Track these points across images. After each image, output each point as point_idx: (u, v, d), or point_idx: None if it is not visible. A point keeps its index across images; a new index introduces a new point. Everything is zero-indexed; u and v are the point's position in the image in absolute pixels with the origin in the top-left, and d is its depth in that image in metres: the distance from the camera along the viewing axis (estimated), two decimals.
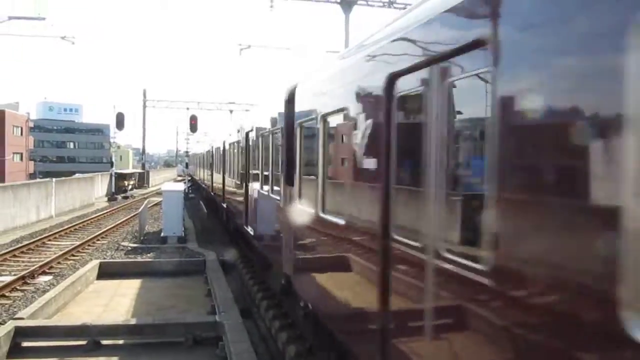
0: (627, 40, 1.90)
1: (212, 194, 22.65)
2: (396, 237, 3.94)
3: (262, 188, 10.50)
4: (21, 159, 66.98)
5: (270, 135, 9.62)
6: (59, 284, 12.03)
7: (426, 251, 3.37)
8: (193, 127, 41.25)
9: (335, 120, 5.71)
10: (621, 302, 1.92)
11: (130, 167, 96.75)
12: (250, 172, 12.13)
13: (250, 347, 8.43)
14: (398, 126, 4.01)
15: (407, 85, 3.85)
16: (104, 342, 9.17)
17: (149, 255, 15.83)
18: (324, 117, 5.97)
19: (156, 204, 28.24)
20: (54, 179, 28.11)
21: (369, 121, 4.55)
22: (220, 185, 18.58)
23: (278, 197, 8.53)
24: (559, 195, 2.30)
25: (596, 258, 2.06)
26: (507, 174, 2.62)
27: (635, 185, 1.90)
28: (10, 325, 9.02)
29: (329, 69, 6.53)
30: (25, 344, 8.99)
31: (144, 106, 56.91)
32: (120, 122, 38.08)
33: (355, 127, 4.81)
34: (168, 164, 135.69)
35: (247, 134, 12.50)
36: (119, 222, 23.77)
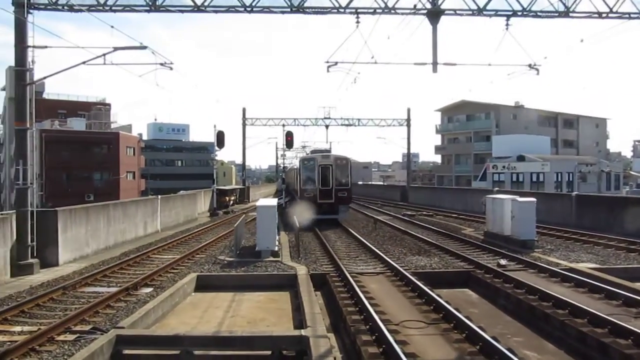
0: None
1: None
2: None
3: None
4: (134, 177, 71.73)
5: None
6: (158, 296, 12.72)
7: None
8: (289, 144, 42.30)
9: None
10: None
11: (234, 183, 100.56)
12: None
13: None
14: None
15: None
16: (197, 352, 9.57)
17: (243, 269, 16.33)
18: None
19: (254, 219, 29.04)
20: (159, 196, 29.78)
21: None
22: None
23: None
24: None
25: None
26: None
27: None
28: (112, 334, 9.65)
29: None
30: (125, 351, 9.56)
31: (244, 124, 59.10)
32: (220, 140, 39.78)
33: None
34: (269, 179, 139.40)
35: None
36: (218, 236, 24.74)
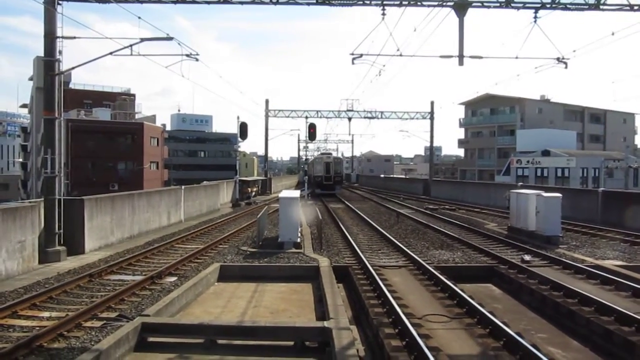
0: None
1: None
2: None
3: None
4: (157, 167, 72.38)
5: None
6: (182, 285, 12.85)
7: None
8: (311, 136, 42.23)
9: None
10: None
11: (255, 174, 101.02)
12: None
13: (357, 354, 8.47)
14: None
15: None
16: (220, 341, 9.66)
17: (265, 260, 16.41)
18: None
19: (276, 210, 29.19)
20: (183, 187, 30.04)
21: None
22: None
23: None
24: None
25: None
26: None
27: None
28: (138, 321, 9.77)
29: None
30: (150, 339, 9.69)
31: (266, 116, 59.27)
32: (243, 132, 39.92)
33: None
34: (291, 171, 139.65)
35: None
36: (241, 227, 24.91)
